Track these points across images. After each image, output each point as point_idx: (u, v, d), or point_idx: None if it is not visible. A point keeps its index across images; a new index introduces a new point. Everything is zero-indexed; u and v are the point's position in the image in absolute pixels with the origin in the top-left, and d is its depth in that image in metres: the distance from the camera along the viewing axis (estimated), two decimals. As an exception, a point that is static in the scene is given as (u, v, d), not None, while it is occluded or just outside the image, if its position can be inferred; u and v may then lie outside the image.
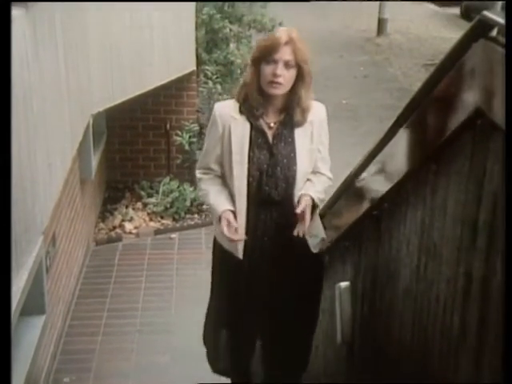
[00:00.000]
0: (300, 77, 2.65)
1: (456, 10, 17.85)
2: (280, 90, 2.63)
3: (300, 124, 2.72)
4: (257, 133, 2.71)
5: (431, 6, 18.88)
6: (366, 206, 2.56)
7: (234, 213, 2.72)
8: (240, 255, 2.79)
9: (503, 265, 1.36)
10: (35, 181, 3.21)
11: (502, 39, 1.44)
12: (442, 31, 15.53)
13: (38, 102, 3.24)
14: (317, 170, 2.82)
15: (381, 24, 15.34)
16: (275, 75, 2.58)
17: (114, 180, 6.73)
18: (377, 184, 2.48)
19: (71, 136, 4.15)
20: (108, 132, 6.41)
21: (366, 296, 2.65)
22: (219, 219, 2.71)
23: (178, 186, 6.38)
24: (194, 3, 6.36)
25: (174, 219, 6.19)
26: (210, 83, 6.38)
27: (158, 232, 6.04)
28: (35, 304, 3.48)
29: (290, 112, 2.70)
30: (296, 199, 2.71)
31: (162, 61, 5.81)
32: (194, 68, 6.37)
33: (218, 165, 2.80)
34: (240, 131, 2.71)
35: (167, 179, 6.48)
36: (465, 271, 1.60)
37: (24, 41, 3.03)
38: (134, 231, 6.03)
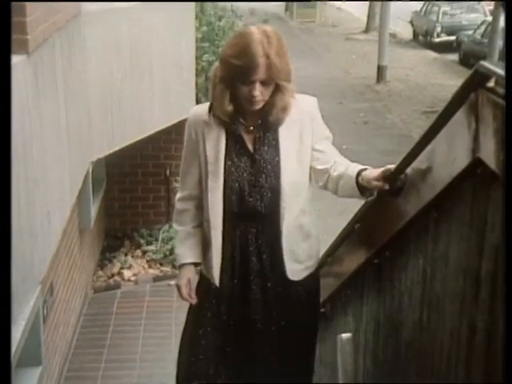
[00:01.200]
0: (277, 87, 2.38)
1: (455, 57, 18.05)
2: (259, 105, 2.36)
3: (281, 122, 2.41)
4: (233, 138, 2.42)
5: (430, 53, 19.10)
6: (366, 253, 2.54)
7: (196, 265, 2.56)
8: (217, 282, 2.49)
9: (504, 314, 1.34)
10: (34, 230, 3.19)
11: (500, 89, 1.44)
12: (441, 78, 15.69)
13: (37, 151, 3.24)
14: (326, 167, 2.45)
15: (380, 71, 15.50)
16: (253, 96, 2.32)
17: (113, 228, 6.69)
18: (377, 231, 2.46)
19: (70, 184, 4.15)
20: (107, 179, 6.41)
21: (369, 348, 2.60)
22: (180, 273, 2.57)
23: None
24: (193, 52, 6.42)
25: (174, 266, 6.14)
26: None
27: (157, 279, 5.99)
28: (32, 355, 3.42)
29: (269, 112, 2.40)
30: (284, 212, 2.41)
31: (162, 106, 5.85)
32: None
33: (198, 184, 2.52)
34: (214, 137, 2.42)
35: (166, 226, 6.46)
36: (468, 322, 1.57)
37: (25, 88, 3.04)
38: (133, 278, 5.98)
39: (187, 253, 2.57)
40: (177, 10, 5.92)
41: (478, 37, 16.68)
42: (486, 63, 1.51)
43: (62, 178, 3.91)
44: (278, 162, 2.41)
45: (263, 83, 2.32)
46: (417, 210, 2.00)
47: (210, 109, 2.45)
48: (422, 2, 23.16)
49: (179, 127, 6.26)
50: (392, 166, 2.16)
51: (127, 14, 5.21)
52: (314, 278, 2.61)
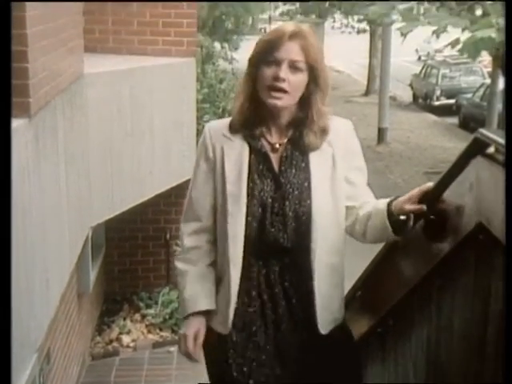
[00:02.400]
0: (313, 82, 1.99)
1: (454, 120, 18.22)
2: (284, 101, 1.97)
3: (315, 147, 2.04)
4: (257, 156, 2.06)
5: (430, 116, 19.31)
6: (369, 322, 2.49)
7: (207, 314, 2.10)
8: (228, 328, 2.08)
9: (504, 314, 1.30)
10: (32, 296, 3.15)
11: (500, 156, 1.44)
12: (442, 140, 15.80)
13: (37, 216, 3.22)
14: (353, 202, 2.10)
15: (381, 133, 15.63)
16: (277, 79, 1.94)
17: (113, 292, 6.62)
18: (380, 299, 2.42)
19: (70, 250, 4.12)
20: (107, 243, 6.39)
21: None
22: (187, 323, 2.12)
23: (178, 297, 6.28)
24: (194, 113, 6.47)
25: (173, 331, 6.05)
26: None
27: (156, 345, 5.89)
28: (26, 425, 3.33)
29: (301, 129, 2.04)
30: (316, 247, 2.02)
31: (162, 168, 5.86)
32: (194, 176, 6.44)
33: (211, 213, 2.11)
34: (236, 155, 2.06)
35: (166, 289, 6.40)
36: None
37: (26, 152, 3.04)
38: (132, 344, 5.88)
39: (200, 298, 2.10)
40: (178, 71, 6.00)
41: (477, 100, 16.87)
42: (485, 131, 1.52)
43: (61, 243, 3.88)
44: (308, 188, 2.03)
45: (293, 67, 1.96)
46: (420, 276, 1.98)
47: (232, 122, 2.11)
48: (421, 65, 23.56)
49: (179, 190, 6.28)
50: (430, 184, 1.88)
51: (129, 75, 5.25)
52: (344, 331, 2.18)
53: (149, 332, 6.06)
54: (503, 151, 1.42)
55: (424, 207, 1.84)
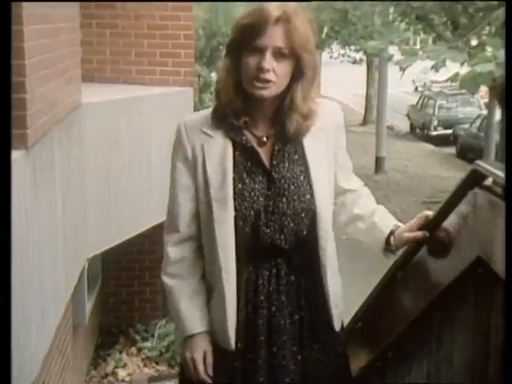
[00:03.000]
0: (298, 69, 1.81)
1: (452, 150, 18.29)
2: (270, 91, 1.79)
3: (305, 132, 1.88)
4: (243, 153, 1.86)
5: (428, 146, 19.38)
6: (368, 355, 2.46)
7: (209, 335, 1.91)
8: (232, 345, 1.89)
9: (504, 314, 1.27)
10: (27, 329, 3.11)
11: (497, 189, 1.43)
12: (440, 170, 15.83)
13: (34, 248, 3.20)
14: (344, 187, 2.01)
15: (378, 162, 15.67)
16: (261, 69, 1.76)
17: (108, 324, 6.57)
18: (379, 332, 2.39)
19: (66, 281, 4.08)
20: (103, 275, 6.35)
21: None
22: (185, 347, 1.92)
23: (175, 329, 6.24)
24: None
25: (170, 365, 5.99)
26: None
27: (152, 379, 5.83)
28: None
29: (287, 119, 1.85)
30: (326, 245, 1.89)
31: (160, 199, 5.83)
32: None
33: (194, 221, 1.90)
34: (218, 153, 1.85)
35: (163, 322, 6.35)
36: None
37: (23, 185, 3.02)
38: (127, 379, 5.82)
39: (198, 319, 1.92)
40: (175, 100, 6.02)
41: (475, 130, 16.96)
42: (483, 163, 1.51)
43: (57, 274, 3.84)
44: (307, 181, 1.87)
45: (277, 55, 1.78)
46: (419, 309, 1.95)
47: (214, 113, 1.89)
48: (418, 96, 23.71)
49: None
50: (428, 213, 1.86)
51: (126, 105, 5.26)
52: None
53: (145, 366, 6.01)
54: (501, 183, 1.41)
55: (425, 234, 1.83)
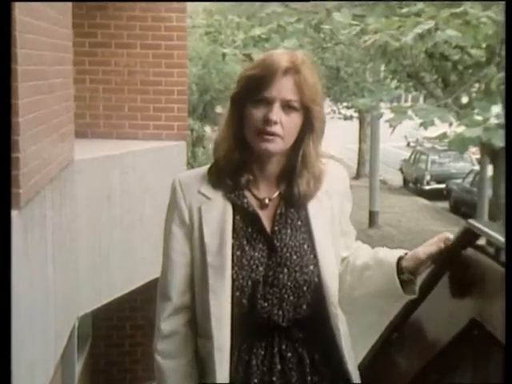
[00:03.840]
0: (307, 124, 1.70)
1: (445, 204, 18.36)
2: (276, 145, 1.66)
3: (309, 198, 1.73)
4: (244, 217, 1.72)
5: (421, 200, 19.45)
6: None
7: None
8: None
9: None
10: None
11: (491, 249, 1.41)
12: (433, 224, 15.83)
13: (25, 309, 3.14)
14: (344, 255, 1.84)
15: (372, 216, 15.68)
16: (268, 122, 1.64)
17: (98, 387, 6.46)
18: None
19: (55, 342, 4.00)
20: (93, 334, 6.25)
21: None
22: None
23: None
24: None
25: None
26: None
27: None
28: None
29: (294, 180, 1.71)
30: (338, 322, 1.73)
31: (153, 256, 5.77)
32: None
33: (187, 289, 1.75)
34: (217, 218, 1.71)
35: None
36: None
37: (15, 246, 2.99)
38: None
39: None
40: (169, 155, 6.03)
41: (467, 185, 17.05)
42: (475, 222, 1.49)
43: (47, 334, 3.77)
44: (310, 251, 1.72)
45: (286, 108, 1.66)
46: (416, 371, 1.92)
47: (211, 170, 1.75)
48: (411, 151, 23.91)
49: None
50: (450, 236, 1.71)
51: (119, 161, 5.26)
52: None
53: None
54: (495, 244, 1.39)
55: (442, 245, 1.68)
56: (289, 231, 1.72)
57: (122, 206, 5.27)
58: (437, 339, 1.76)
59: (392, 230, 15.61)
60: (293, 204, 1.73)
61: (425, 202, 19.17)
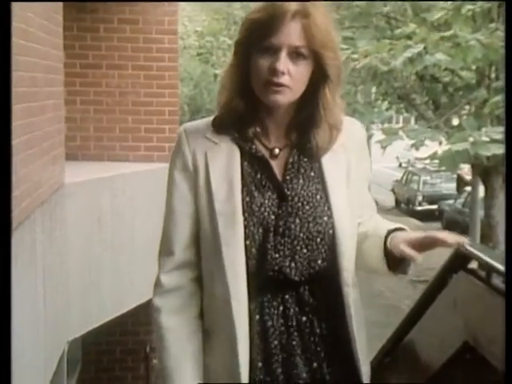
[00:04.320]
0: (320, 72, 1.56)
1: (438, 225, 18.34)
2: (285, 97, 1.55)
3: (326, 150, 1.62)
4: (253, 163, 1.62)
5: (413, 221, 19.46)
6: None
7: None
8: None
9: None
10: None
11: (482, 273, 1.40)
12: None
13: (14, 334, 3.09)
14: (360, 219, 1.70)
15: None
16: (275, 72, 1.51)
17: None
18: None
19: (44, 367, 3.95)
20: (83, 358, 6.18)
21: None
22: None
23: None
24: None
25: None
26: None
27: None
28: None
29: (308, 129, 1.61)
30: (349, 278, 1.61)
31: (143, 278, 5.73)
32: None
33: (191, 243, 1.64)
34: (224, 162, 1.61)
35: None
36: None
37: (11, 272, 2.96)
38: None
39: (190, 370, 1.61)
40: (160, 177, 5.99)
41: (459, 206, 17.08)
42: (467, 245, 1.48)
43: (36, 360, 3.73)
44: (324, 202, 1.60)
45: (294, 55, 1.52)
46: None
47: (216, 120, 1.65)
48: (402, 172, 23.99)
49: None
50: (435, 235, 1.58)
51: (110, 183, 5.24)
52: None
53: None
54: (487, 267, 1.38)
55: (419, 258, 1.56)
56: (301, 181, 1.61)
57: (113, 229, 5.24)
58: (429, 363, 1.74)
59: (384, 251, 15.59)
60: (307, 154, 1.62)
61: (417, 222, 19.17)
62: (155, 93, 6.05)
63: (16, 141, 3.02)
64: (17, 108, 3.04)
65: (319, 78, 1.56)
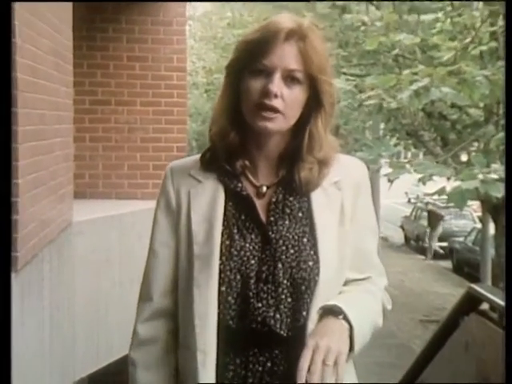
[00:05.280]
0: (314, 99, 1.47)
1: (448, 264, 18.16)
2: (276, 123, 1.43)
3: (315, 186, 1.48)
4: (237, 203, 1.50)
5: (422, 259, 19.29)
6: None
7: None
8: None
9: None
10: None
11: (493, 314, 1.38)
12: (436, 286, 15.64)
13: (20, 374, 3.05)
14: (357, 274, 1.54)
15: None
16: (268, 94, 1.41)
17: None
18: None
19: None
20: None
21: None
22: None
23: None
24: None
25: None
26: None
27: None
28: None
29: (296, 164, 1.48)
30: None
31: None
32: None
33: (171, 289, 1.53)
34: (206, 202, 1.49)
35: None
36: None
37: (12, 308, 2.94)
38: None
39: None
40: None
41: (470, 244, 16.85)
42: (477, 287, 1.46)
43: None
44: (310, 245, 1.46)
45: (288, 79, 1.43)
46: None
47: (205, 154, 1.54)
48: (411, 207, 23.86)
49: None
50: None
51: (118, 221, 5.24)
52: None
53: None
54: (499, 309, 1.36)
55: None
56: (286, 222, 1.48)
57: (121, 267, 5.22)
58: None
59: (394, 291, 15.40)
60: (292, 191, 1.49)
61: (427, 261, 19.03)
62: (163, 128, 6.07)
63: (23, 179, 3.02)
64: (24, 146, 3.05)
65: (312, 106, 1.46)
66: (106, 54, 5.96)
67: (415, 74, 5.17)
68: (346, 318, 1.39)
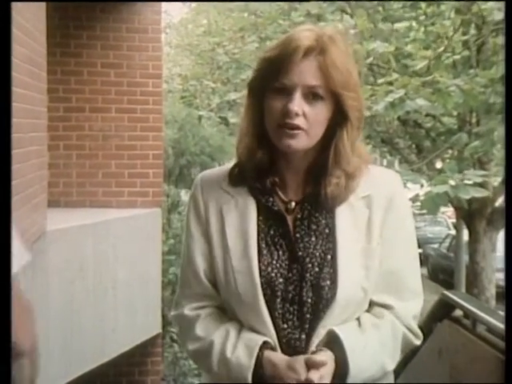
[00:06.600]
0: (339, 114, 1.44)
1: (423, 270, 18.20)
2: (299, 141, 1.42)
3: (341, 200, 1.45)
4: (268, 218, 1.48)
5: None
6: None
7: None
8: None
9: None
10: None
11: (467, 321, 1.38)
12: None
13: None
14: (385, 297, 1.47)
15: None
16: (289, 114, 1.40)
17: None
18: None
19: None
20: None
21: None
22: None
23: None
24: (160, 265, 6.35)
25: None
26: (176, 346, 6.23)
27: None
28: None
29: (323, 179, 1.45)
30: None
31: (126, 325, 5.65)
32: (160, 331, 6.16)
33: (210, 288, 1.52)
34: (239, 217, 1.49)
35: None
36: None
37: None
38: None
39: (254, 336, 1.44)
40: (143, 222, 5.95)
41: (444, 251, 16.92)
42: (450, 294, 1.47)
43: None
44: (333, 264, 1.43)
45: (310, 96, 1.41)
46: None
47: (233, 170, 1.54)
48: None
49: (144, 348, 6.00)
50: (316, 359, 1.36)
51: (92, 230, 5.19)
52: None
53: None
54: (471, 316, 1.37)
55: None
56: (313, 239, 1.45)
57: (95, 276, 5.17)
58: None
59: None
60: (318, 207, 1.46)
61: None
62: (139, 136, 6.02)
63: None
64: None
65: (338, 120, 1.44)
66: (79, 61, 5.91)
67: (390, 84, 5.21)
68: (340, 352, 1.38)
